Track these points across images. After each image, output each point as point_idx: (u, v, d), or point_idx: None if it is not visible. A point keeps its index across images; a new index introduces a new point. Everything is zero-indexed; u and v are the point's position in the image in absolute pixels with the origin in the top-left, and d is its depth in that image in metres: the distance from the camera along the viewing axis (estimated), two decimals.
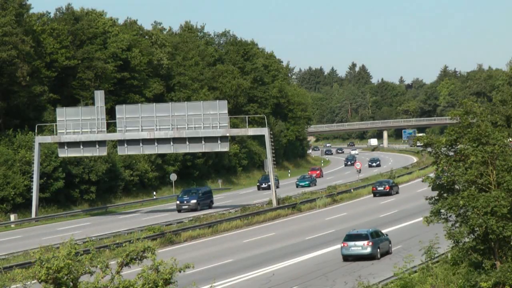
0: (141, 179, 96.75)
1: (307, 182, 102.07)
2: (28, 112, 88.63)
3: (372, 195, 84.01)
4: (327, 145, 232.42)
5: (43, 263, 21.11)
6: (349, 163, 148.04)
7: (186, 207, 76.88)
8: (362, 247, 42.94)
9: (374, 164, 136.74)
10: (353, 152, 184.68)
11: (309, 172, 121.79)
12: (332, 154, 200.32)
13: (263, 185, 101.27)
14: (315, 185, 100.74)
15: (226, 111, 73.96)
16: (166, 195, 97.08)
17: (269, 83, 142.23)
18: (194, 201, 77.39)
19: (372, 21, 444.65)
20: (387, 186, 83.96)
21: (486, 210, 29.39)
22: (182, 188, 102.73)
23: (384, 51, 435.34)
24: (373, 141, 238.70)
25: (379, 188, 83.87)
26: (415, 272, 34.51)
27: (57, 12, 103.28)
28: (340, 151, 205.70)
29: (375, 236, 43.99)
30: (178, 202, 78.17)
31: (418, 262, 35.72)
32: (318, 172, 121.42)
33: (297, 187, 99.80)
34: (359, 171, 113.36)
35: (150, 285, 21.42)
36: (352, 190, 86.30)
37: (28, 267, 39.10)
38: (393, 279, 34.15)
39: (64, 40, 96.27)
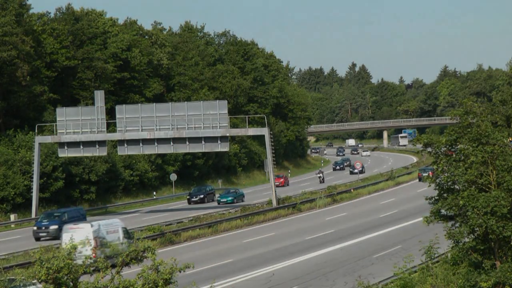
0: (141, 179, 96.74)
1: (230, 198, 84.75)
2: (28, 112, 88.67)
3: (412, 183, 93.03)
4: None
5: (43, 263, 21.13)
6: (337, 167, 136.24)
7: (45, 234, 60.71)
8: None
9: (355, 170, 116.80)
10: (364, 153, 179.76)
11: (274, 179, 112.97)
12: (344, 154, 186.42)
13: (194, 198, 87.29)
14: (242, 200, 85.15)
15: (226, 111, 73.97)
16: (166, 195, 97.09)
17: (269, 83, 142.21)
18: (55, 226, 61.02)
19: (372, 21, 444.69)
20: (430, 172, 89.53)
21: (486, 210, 29.38)
22: (182, 188, 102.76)
23: (384, 51, 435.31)
24: (351, 141, 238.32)
25: (424, 174, 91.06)
26: (415, 272, 34.50)
27: (57, 12, 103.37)
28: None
29: None
30: (35, 227, 63.16)
31: (418, 262, 35.71)
32: (282, 180, 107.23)
33: (218, 203, 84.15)
34: (322, 180, 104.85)
35: (150, 285, 21.44)
36: (352, 190, 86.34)
37: (28, 267, 39.11)
38: (393, 279, 34.14)
39: (64, 40, 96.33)
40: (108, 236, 46.51)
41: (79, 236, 44.02)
